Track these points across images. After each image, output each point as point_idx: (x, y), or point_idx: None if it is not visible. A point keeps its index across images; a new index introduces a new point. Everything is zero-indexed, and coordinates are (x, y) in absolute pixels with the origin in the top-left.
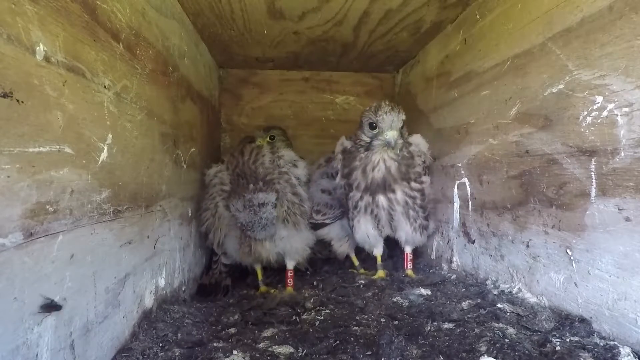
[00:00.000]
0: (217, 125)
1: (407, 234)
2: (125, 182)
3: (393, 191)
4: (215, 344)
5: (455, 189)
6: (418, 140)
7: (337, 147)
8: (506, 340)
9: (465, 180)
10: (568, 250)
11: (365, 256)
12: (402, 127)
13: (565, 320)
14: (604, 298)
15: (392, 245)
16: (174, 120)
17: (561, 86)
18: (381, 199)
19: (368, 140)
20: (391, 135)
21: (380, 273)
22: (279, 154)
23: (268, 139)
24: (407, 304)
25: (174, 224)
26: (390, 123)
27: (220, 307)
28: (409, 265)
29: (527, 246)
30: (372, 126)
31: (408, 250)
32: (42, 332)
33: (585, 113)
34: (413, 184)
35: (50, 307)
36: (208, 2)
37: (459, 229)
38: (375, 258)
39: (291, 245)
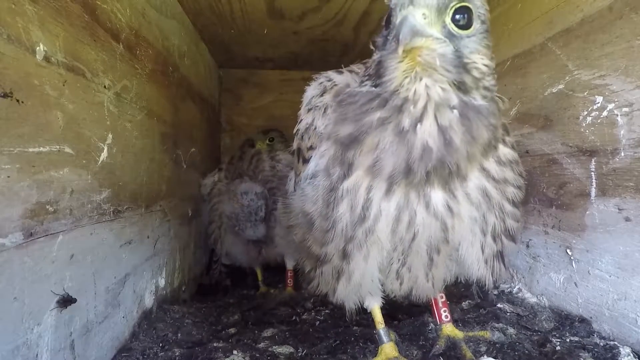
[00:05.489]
0: (217, 125)
1: (472, 268)
2: (125, 182)
3: (463, 179)
4: (215, 344)
5: None
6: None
7: (311, 90)
8: (506, 340)
9: None
10: (568, 250)
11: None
12: (457, 16)
13: (565, 320)
14: (604, 298)
15: None
16: (174, 120)
17: (561, 86)
18: (436, 195)
19: (378, 53)
20: (409, 13)
21: (388, 349)
22: (277, 158)
23: (267, 142)
24: (407, 303)
25: (174, 224)
26: None
27: (220, 307)
28: (445, 314)
29: (527, 246)
30: (389, 19)
31: None
32: (42, 332)
33: (585, 113)
34: (503, 152)
35: (66, 301)
36: (208, 2)
37: None
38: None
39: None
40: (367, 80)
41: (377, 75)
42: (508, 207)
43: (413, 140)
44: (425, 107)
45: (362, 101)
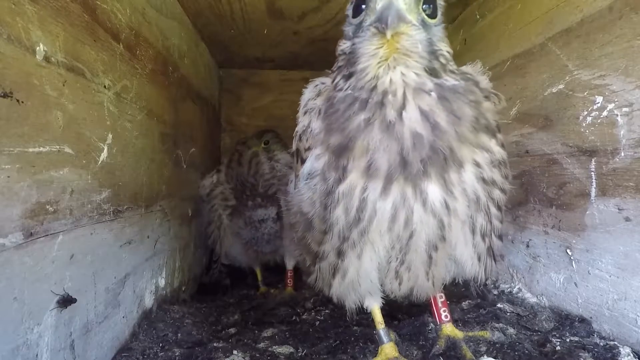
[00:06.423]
0: (217, 125)
1: (467, 265)
2: (125, 182)
3: (459, 166)
4: (215, 344)
5: None
6: (472, 70)
7: (307, 93)
8: (506, 340)
9: None
10: (568, 250)
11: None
12: (424, 6)
13: (565, 320)
14: (604, 298)
15: None
16: (174, 120)
17: (561, 86)
18: (434, 191)
19: (349, 42)
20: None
21: (388, 349)
22: (275, 158)
23: (263, 145)
24: (407, 303)
25: (174, 224)
26: None
27: (220, 307)
28: (445, 314)
29: (527, 246)
30: (358, 7)
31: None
32: (42, 332)
33: (585, 113)
34: (494, 150)
35: (66, 301)
36: (208, 2)
37: None
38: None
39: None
40: (340, 79)
41: (349, 65)
42: (493, 210)
43: (401, 131)
44: (404, 95)
45: (343, 108)
